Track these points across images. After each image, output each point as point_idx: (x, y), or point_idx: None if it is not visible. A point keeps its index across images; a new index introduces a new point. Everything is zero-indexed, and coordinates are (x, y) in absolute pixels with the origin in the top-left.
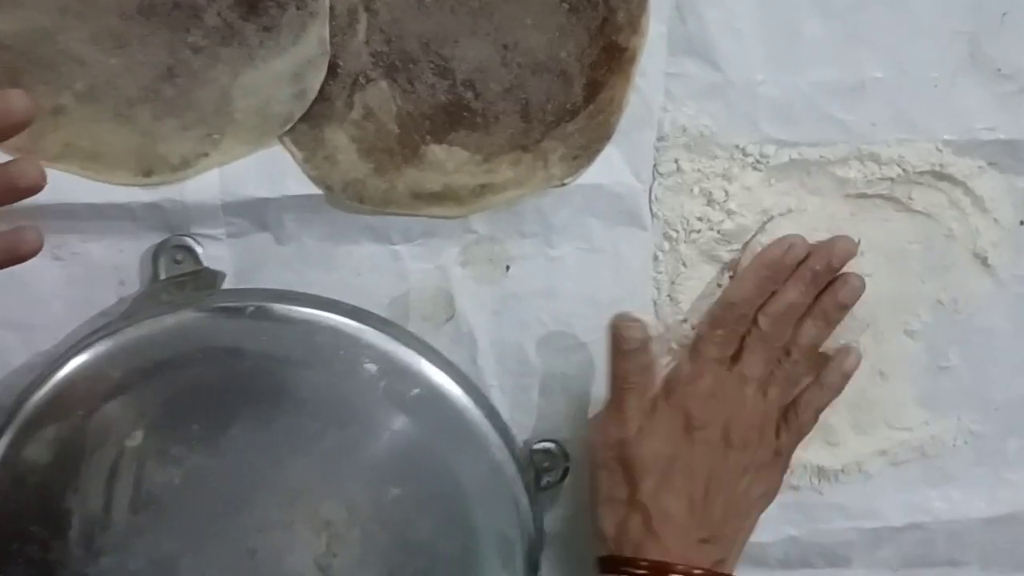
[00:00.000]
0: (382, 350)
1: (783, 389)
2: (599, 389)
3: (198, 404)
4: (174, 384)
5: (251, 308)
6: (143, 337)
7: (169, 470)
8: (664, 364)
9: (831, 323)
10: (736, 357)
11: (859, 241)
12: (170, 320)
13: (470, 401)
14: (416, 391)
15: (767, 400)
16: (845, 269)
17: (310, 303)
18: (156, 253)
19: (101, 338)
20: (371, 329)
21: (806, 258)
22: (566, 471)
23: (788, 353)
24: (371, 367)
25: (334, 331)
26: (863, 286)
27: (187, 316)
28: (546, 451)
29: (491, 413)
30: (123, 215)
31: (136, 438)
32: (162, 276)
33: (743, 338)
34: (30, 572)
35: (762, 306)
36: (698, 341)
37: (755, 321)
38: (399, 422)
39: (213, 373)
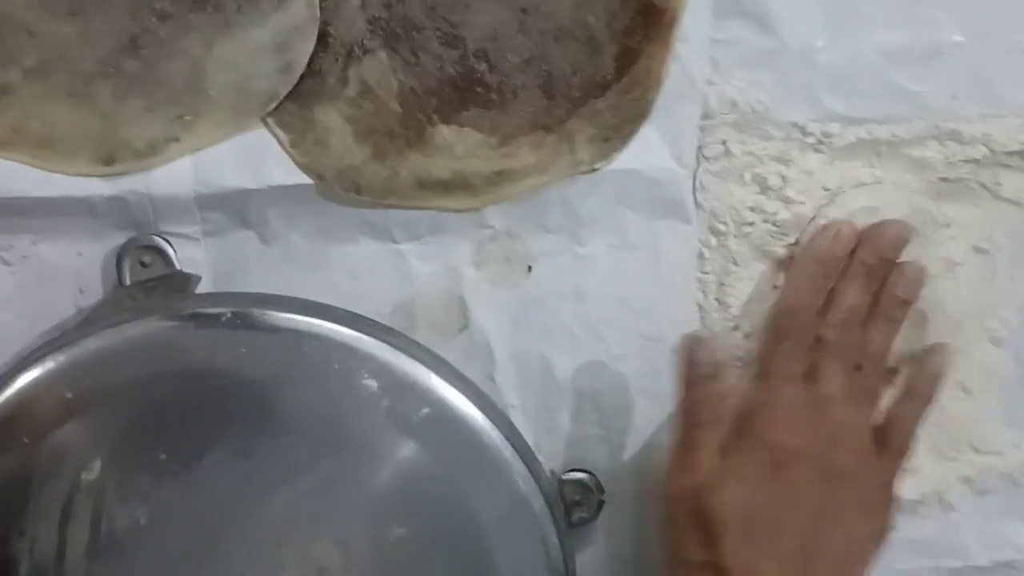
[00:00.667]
0: (383, 362)
1: (868, 406)
2: (639, 408)
3: (166, 429)
4: (138, 405)
5: (227, 314)
6: (101, 350)
7: (133, 507)
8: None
9: (896, 323)
10: (810, 374)
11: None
12: (133, 330)
13: (488, 423)
14: (425, 411)
15: (858, 420)
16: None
17: (297, 308)
18: (120, 255)
19: (52, 352)
20: (370, 338)
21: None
22: (600, 505)
23: (861, 365)
24: (371, 383)
25: (326, 341)
26: (922, 276)
27: (152, 325)
28: (578, 482)
29: (513, 436)
30: (81, 211)
31: (93, 470)
32: (127, 282)
33: (814, 349)
34: None
35: (823, 312)
36: (765, 358)
37: (820, 331)
38: (404, 448)
39: (183, 392)
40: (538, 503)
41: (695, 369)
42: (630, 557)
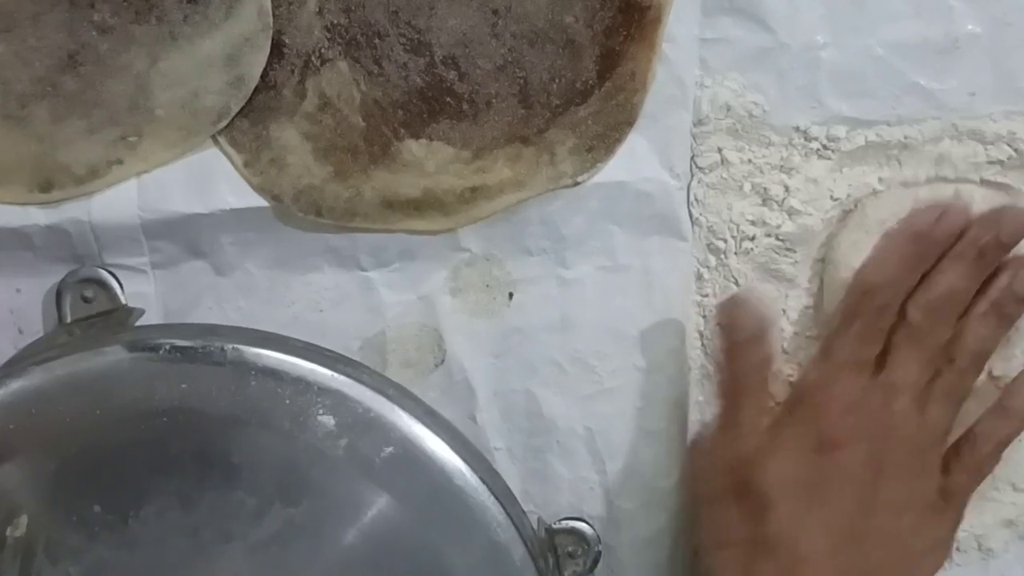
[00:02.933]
0: (341, 397)
1: (946, 407)
2: (637, 448)
3: (100, 477)
4: (68, 451)
5: (166, 347)
6: (26, 391)
7: (64, 567)
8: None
9: (1005, 320)
10: (881, 361)
11: None
12: (60, 368)
13: (461, 463)
14: (388, 451)
15: (926, 419)
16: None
17: (244, 339)
18: (60, 290)
19: None
20: (325, 370)
21: (963, 232)
22: (598, 557)
23: (951, 360)
24: (327, 420)
25: (276, 374)
26: None
27: (83, 361)
28: (571, 532)
29: (491, 479)
30: (18, 243)
31: (20, 526)
32: (67, 319)
33: (889, 335)
34: None
35: (911, 293)
36: (830, 339)
37: (903, 313)
38: (367, 493)
39: (119, 435)
40: (519, 553)
41: (738, 334)
42: (693, 570)
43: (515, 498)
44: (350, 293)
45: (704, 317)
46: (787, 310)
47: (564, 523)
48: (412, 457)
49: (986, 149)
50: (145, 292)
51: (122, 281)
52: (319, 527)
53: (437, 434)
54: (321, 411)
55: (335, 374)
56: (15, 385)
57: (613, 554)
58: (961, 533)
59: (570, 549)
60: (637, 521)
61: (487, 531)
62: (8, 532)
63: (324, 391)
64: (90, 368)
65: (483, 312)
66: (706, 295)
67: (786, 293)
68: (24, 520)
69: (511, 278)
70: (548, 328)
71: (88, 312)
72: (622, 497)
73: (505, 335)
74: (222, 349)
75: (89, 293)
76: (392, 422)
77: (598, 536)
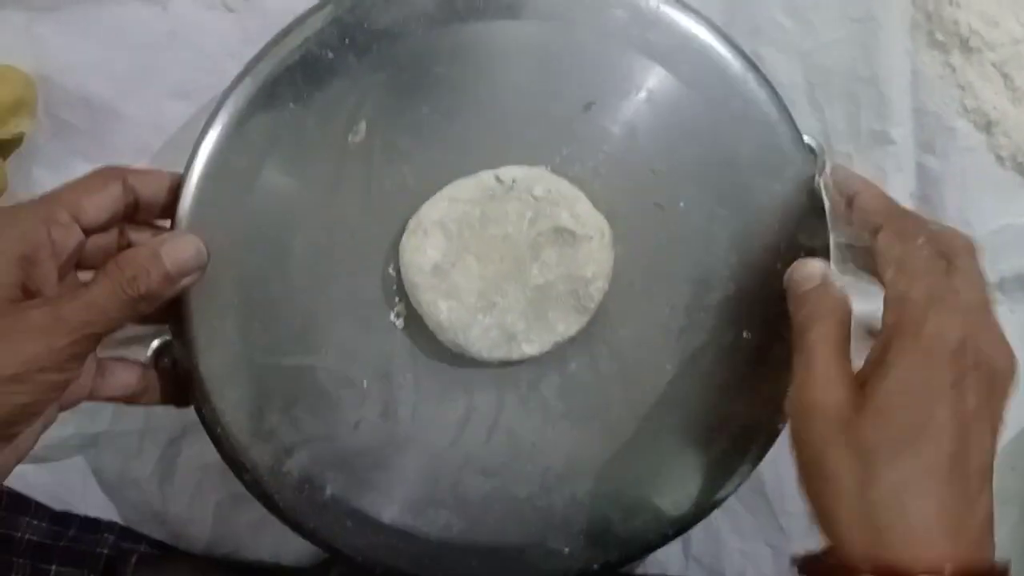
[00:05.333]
0: None
1: None
2: (866, 89)
3: (425, 83)
4: (396, 63)
5: None
6: (351, 6)
7: (397, 167)
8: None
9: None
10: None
11: None
12: None
13: (733, 54)
14: (675, 41)
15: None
16: None
17: None
18: None
19: (305, 19)
20: None
21: None
22: (824, 166)
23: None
24: (620, 13)
25: None
26: None
27: None
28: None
29: (758, 71)
30: None
31: (359, 132)
32: None
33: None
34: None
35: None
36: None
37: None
38: (655, 75)
39: (436, 37)
40: (789, 134)
41: (802, 285)
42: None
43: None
44: None
45: None
46: None
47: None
48: (694, 47)
49: None
50: None
51: None
52: (617, 105)
53: (714, 32)
54: (615, 7)
55: None
56: (344, 4)
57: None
58: None
59: None
60: (855, 163)
61: (763, 111)
62: (350, 138)
63: None
64: None
65: None
66: None
67: None
68: (363, 126)
69: None
70: None
71: None
72: (841, 141)
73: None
74: None
75: None
76: (675, 19)
77: (824, 149)
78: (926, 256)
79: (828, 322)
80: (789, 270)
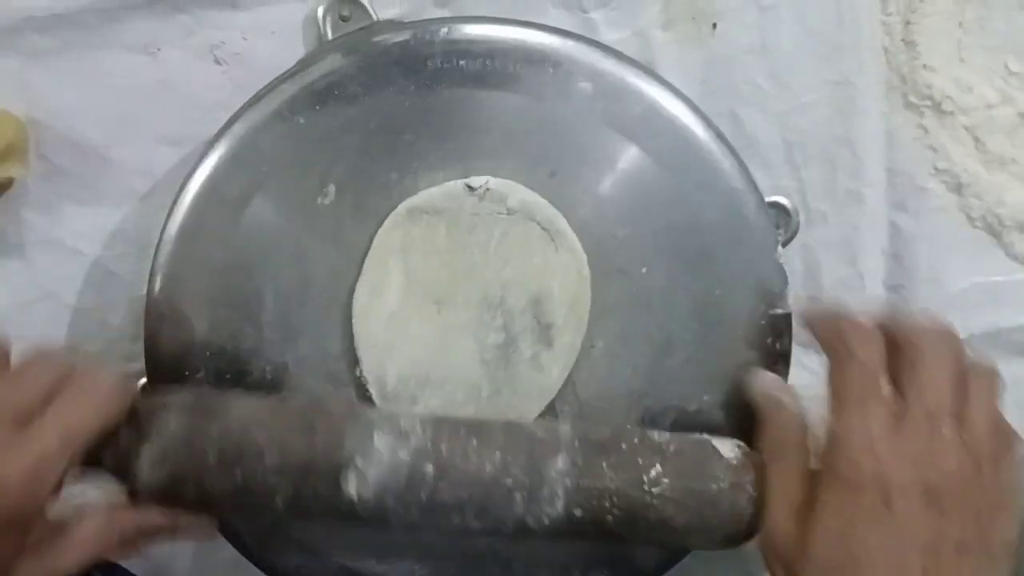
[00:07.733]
0: (597, 69)
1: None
2: (830, 159)
3: (396, 149)
4: (367, 125)
5: (444, 29)
6: (329, 74)
7: (367, 228)
8: None
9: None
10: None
11: None
12: (341, 59)
13: (701, 123)
14: (638, 111)
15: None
16: None
17: (506, 22)
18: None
19: (277, 85)
20: (581, 44)
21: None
22: (796, 230)
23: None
24: (586, 86)
25: (539, 49)
26: None
27: (382, 41)
28: (774, 205)
29: (722, 139)
30: None
31: (328, 194)
32: (329, 36)
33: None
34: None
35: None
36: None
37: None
38: (621, 147)
39: (405, 104)
40: (753, 200)
41: (764, 403)
42: None
43: (743, 163)
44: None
45: (889, 35)
46: (963, 23)
47: (771, 199)
48: (659, 117)
49: None
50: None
51: None
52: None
53: (679, 99)
54: (580, 80)
55: (590, 48)
56: (317, 72)
57: (810, 254)
58: None
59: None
60: (830, 221)
61: (726, 178)
62: (319, 200)
63: (581, 64)
64: (385, 50)
65: (690, 42)
66: (890, 14)
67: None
68: (332, 189)
69: (715, 9)
70: (748, 53)
71: (346, 31)
72: (816, 200)
73: (711, 62)
74: (494, 31)
75: (345, 12)
76: (640, 89)
77: (797, 210)
78: (858, 387)
79: (783, 464)
80: (749, 378)
